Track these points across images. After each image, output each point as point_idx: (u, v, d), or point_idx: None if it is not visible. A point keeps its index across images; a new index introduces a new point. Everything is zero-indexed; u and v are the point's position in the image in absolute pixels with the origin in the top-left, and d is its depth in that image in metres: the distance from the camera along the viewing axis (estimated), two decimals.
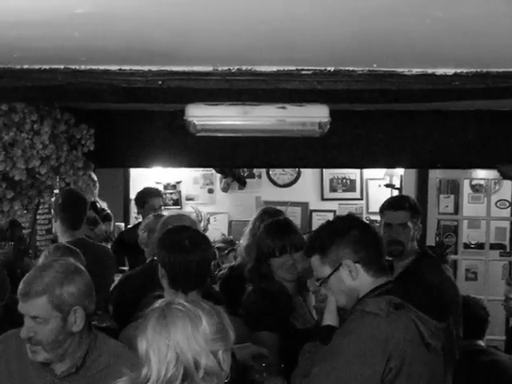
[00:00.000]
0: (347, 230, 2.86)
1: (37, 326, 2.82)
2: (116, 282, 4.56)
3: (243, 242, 4.90)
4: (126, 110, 4.88)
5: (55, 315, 2.82)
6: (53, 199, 4.74)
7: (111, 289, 4.53)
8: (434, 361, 2.74)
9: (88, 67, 2.95)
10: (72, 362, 2.94)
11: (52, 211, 5.26)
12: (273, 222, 4.27)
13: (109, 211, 6.75)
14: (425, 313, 2.68)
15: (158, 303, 2.37)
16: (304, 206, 9.58)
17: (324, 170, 9.33)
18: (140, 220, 7.17)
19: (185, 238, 3.45)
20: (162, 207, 7.04)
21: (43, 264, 2.97)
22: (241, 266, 4.66)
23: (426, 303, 2.73)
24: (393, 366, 2.58)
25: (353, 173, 9.55)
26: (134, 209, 8.25)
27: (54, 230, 5.34)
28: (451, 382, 3.22)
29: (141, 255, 5.25)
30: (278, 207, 9.09)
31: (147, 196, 6.92)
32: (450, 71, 2.94)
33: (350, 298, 2.83)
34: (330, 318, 2.96)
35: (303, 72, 2.95)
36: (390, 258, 4.56)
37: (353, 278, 2.80)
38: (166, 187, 9.64)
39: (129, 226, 7.77)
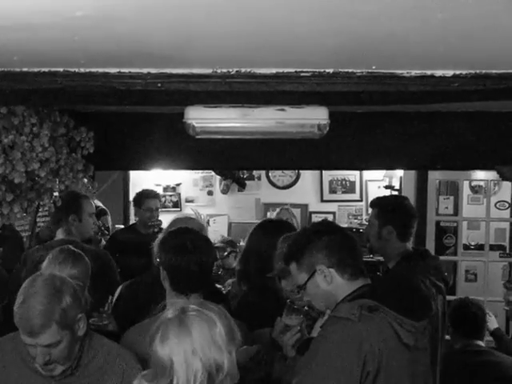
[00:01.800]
0: (319, 236, 2.89)
1: (50, 349, 2.84)
2: (123, 287, 4.54)
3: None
4: (126, 113, 4.88)
5: (65, 333, 2.85)
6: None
7: (117, 294, 4.52)
8: (415, 360, 2.76)
9: (87, 70, 2.95)
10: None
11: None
12: (268, 221, 4.28)
13: (103, 206, 6.76)
14: (402, 313, 2.69)
15: (172, 311, 2.35)
16: (303, 207, 9.59)
17: (323, 171, 9.34)
18: (134, 221, 7.16)
19: (186, 239, 3.44)
20: (160, 209, 7.03)
21: (27, 293, 2.87)
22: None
23: (401, 304, 2.74)
24: (370, 370, 2.60)
25: (352, 174, 9.57)
26: (133, 211, 8.25)
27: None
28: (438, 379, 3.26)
29: (133, 257, 5.24)
30: (278, 209, 9.15)
31: (143, 197, 6.93)
32: (449, 73, 2.94)
33: (328, 302, 2.87)
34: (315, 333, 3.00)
35: (302, 74, 2.95)
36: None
37: (328, 283, 2.83)
38: (165, 189, 9.66)
39: (122, 227, 7.75)
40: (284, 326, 3.19)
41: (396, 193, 8.26)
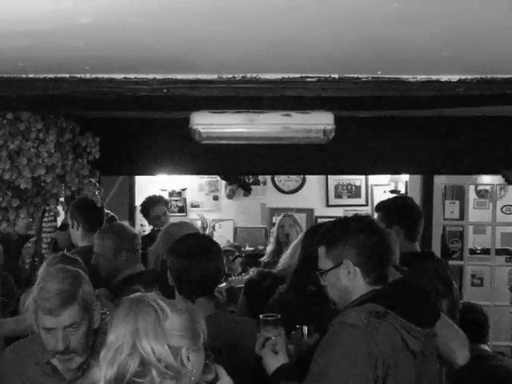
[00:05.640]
0: (356, 232, 2.88)
1: (70, 334, 2.88)
2: None
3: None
4: (131, 118, 4.89)
5: (85, 317, 2.92)
6: (60, 208, 4.74)
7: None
8: (422, 366, 2.75)
9: (93, 76, 2.96)
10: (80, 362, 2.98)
11: (68, 220, 5.32)
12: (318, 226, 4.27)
13: (112, 213, 6.78)
14: (410, 319, 2.68)
15: (132, 296, 2.39)
16: (309, 212, 9.58)
17: (329, 176, 9.34)
18: (146, 227, 7.21)
19: (192, 244, 3.46)
20: (168, 214, 7.03)
21: (45, 279, 2.96)
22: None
23: (410, 310, 2.73)
24: (379, 374, 2.59)
25: (358, 179, 9.56)
26: (139, 216, 8.27)
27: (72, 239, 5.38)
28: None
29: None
30: (281, 215, 9.15)
31: (150, 204, 6.95)
32: (455, 78, 2.94)
33: (343, 296, 2.87)
34: (283, 358, 2.98)
35: (308, 79, 2.96)
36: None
37: (349, 280, 2.83)
38: (171, 194, 9.65)
39: (143, 234, 7.78)
40: (264, 339, 3.15)
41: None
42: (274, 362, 3.01)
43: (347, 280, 2.84)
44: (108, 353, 2.28)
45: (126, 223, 5.11)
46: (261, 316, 3.19)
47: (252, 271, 5.31)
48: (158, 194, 7.66)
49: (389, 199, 5.05)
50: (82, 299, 2.90)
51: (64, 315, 2.85)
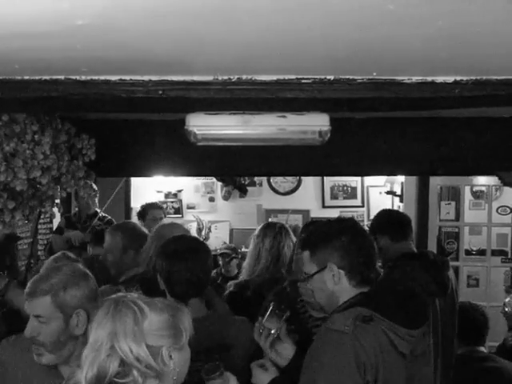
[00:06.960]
0: (339, 235, 2.87)
1: (40, 325, 2.88)
2: None
3: (249, 259, 4.94)
4: (127, 120, 4.89)
5: (57, 316, 2.89)
6: (56, 210, 4.75)
7: None
8: (412, 367, 2.75)
9: (89, 77, 2.96)
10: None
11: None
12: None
13: (110, 217, 6.80)
14: (398, 321, 2.67)
15: (113, 296, 2.42)
16: (305, 213, 9.60)
17: (325, 177, 9.35)
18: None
19: (181, 246, 3.47)
20: (164, 218, 7.09)
21: (53, 266, 3.02)
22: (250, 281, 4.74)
23: (397, 312, 2.72)
24: (369, 379, 2.58)
25: (354, 180, 9.58)
26: (135, 218, 8.28)
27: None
28: None
29: None
30: (279, 215, 9.16)
31: (148, 209, 7.05)
32: (450, 79, 2.95)
33: (329, 300, 2.86)
34: (273, 371, 2.98)
35: (303, 81, 2.96)
36: None
37: (335, 283, 2.83)
38: (167, 196, 9.67)
39: None
40: (262, 327, 3.14)
41: (397, 198, 8.27)
42: (264, 377, 3.01)
43: (332, 283, 2.84)
44: (89, 353, 2.30)
45: (137, 222, 5.12)
46: (271, 304, 3.18)
47: (230, 285, 5.32)
48: (155, 201, 7.81)
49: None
50: (60, 298, 2.89)
51: (33, 303, 2.87)
